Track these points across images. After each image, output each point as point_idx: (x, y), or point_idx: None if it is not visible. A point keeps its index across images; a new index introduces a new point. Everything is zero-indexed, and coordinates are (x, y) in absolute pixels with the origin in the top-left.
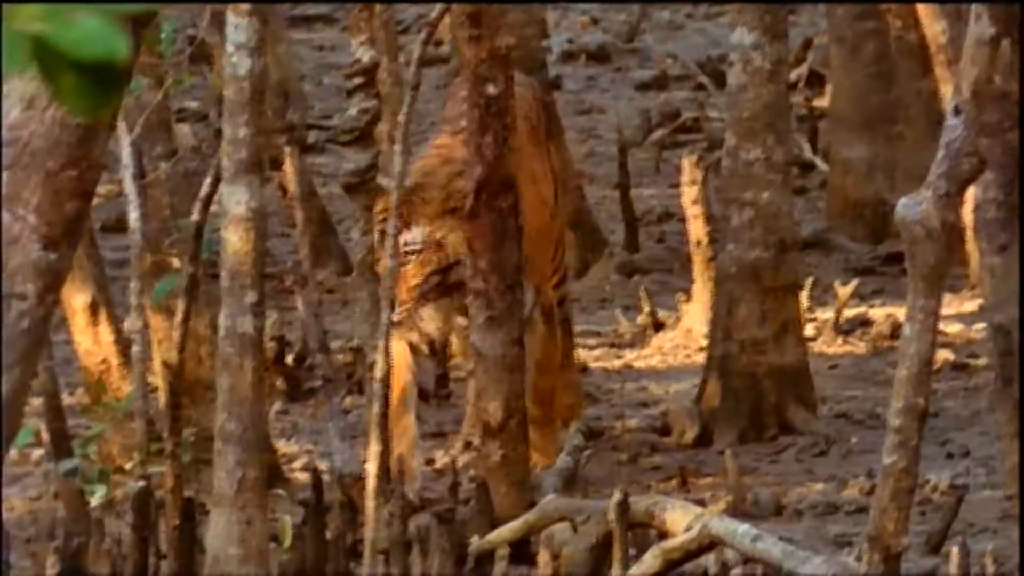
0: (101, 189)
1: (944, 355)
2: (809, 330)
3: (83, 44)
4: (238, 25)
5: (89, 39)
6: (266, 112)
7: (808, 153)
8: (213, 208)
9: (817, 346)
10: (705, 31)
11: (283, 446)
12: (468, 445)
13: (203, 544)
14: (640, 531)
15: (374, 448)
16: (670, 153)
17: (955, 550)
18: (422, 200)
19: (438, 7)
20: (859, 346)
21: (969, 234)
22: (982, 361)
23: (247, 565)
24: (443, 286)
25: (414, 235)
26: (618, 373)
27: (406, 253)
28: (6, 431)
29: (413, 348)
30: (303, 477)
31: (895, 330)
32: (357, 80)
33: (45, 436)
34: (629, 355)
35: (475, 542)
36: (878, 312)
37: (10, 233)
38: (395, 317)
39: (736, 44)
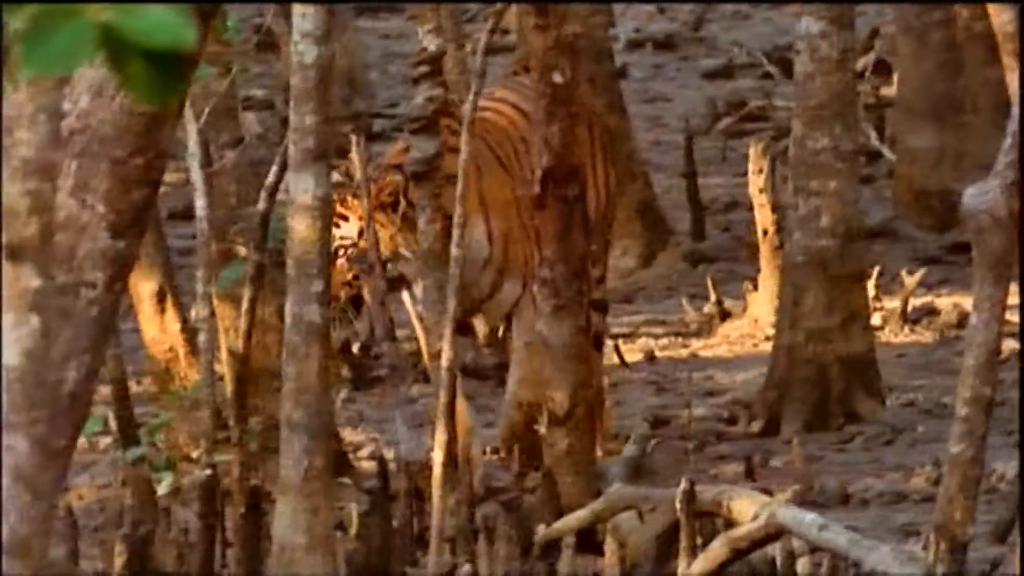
0: (168, 177)
1: (1011, 344)
2: (876, 319)
3: (151, 32)
4: (305, 14)
5: (157, 27)
6: (332, 100)
7: (875, 142)
8: (279, 196)
9: (884, 335)
10: (772, 20)
11: (349, 434)
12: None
13: (269, 532)
14: (706, 520)
15: (440, 436)
16: (736, 142)
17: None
18: (354, 195)
19: None
20: (926, 335)
21: None
22: None
23: (313, 554)
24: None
25: (346, 230)
26: (684, 362)
27: (339, 247)
28: (75, 419)
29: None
30: (369, 465)
31: (962, 319)
32: (423, 69)
33: (113, 424)
34: (695, 344)
35: (541, 531)
36: (945, 301)
37: (78, 221)
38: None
39: (803, 33)
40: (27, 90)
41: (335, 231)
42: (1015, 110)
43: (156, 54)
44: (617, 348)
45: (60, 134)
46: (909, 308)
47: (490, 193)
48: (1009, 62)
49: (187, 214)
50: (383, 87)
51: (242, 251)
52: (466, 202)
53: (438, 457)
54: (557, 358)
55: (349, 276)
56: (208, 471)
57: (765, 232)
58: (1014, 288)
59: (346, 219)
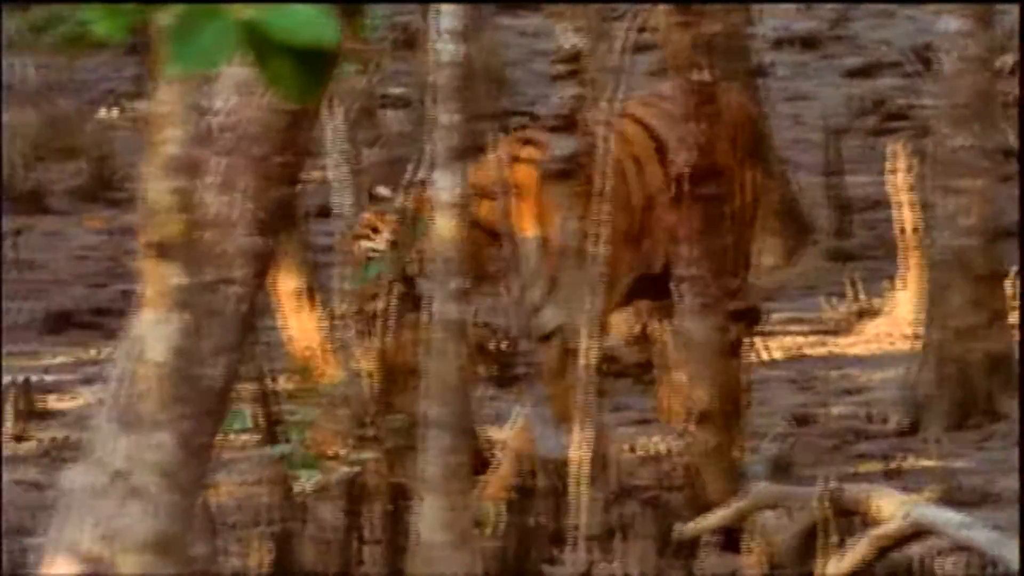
0: (312, 175)
1: None
2: (1018, 318)
3: (295, 30)
4: (446, 11)
5: (301, 25)
6: (474, 98)
7: (1015, 141)
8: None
9: None
10: (914, 18)
11: (489, 431)
12: (676, 432)
13: (411, 529)
14: (847, 519)
15: (580, 434)
16: (879, 140)
17: None
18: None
19: None
20: None
21: None
22: None
23: (454, 551)
24: (411, 297)
25: (378, 243)
26: (824, 360)
27: (368, 259)
28: (218, 416)
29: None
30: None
31: None
32: (564, 67)
33: (256, 422)
34: (836, 342)
35: (682, 529)
36: None
37: (223, 219)
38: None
39: (945, 31)
40: (173, 88)
41: (364, 243)
42: None
43: (300, 51)
44: (755, 346)
45: (205, 132)
46: None
47: (551, 211)
48: None
49: (328, 212)
50: (525, 85)
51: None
52: (522, 218)
53: (577, 455)
54: (702, 356)
55: (375, 290)
56: (350, 468)
57: (907, 231)
58: None
59: (377, 231)
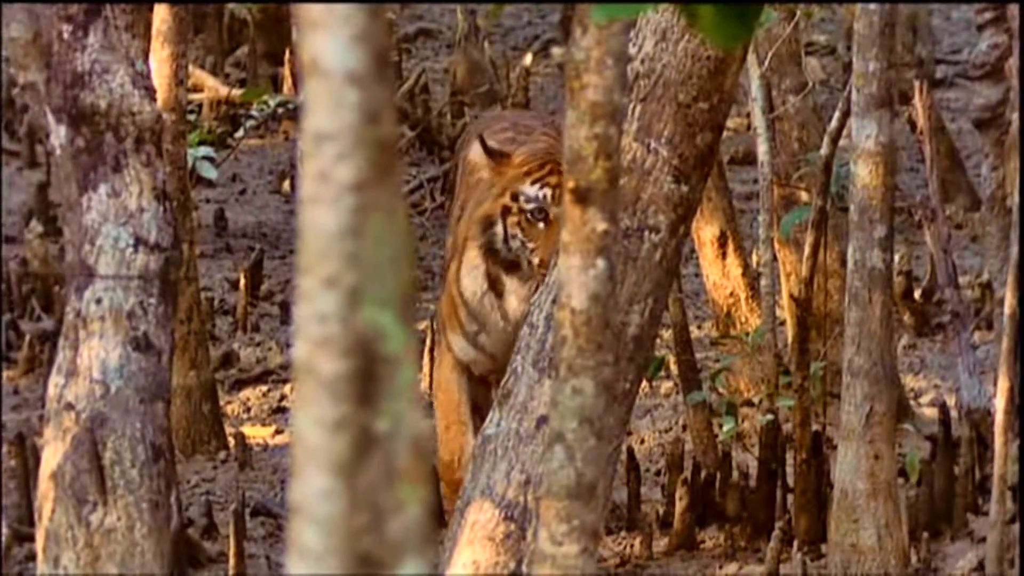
0: (730, 123)
1: None
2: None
3: None
4: None
5: None
6: (896, 46)
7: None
8: (842, 142)
9: None
10: None
11: (911, 380)
12: None
13: (830, 478)
14: None
15: (1003, 384)
16: None
17: None
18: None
19: None
20: None
21: None
22: None
23: (875, 499)
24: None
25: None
26: None
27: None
28: (638, 363)
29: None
30: (931, 412)
31: None
32: (988, 15)
33: (674, 368)
34: None
35: None
36: None
37: (643, 165)
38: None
39: None
40: (594, 34)
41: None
42: None
43: None
44: None
45: (626, 78)
46: None
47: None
48: None
49: (749, 159)
50: (946, 33)
51: (804, 196)
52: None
53: (1000, 404)
54: None
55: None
56: (770, 416)
57: None
58: None
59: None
